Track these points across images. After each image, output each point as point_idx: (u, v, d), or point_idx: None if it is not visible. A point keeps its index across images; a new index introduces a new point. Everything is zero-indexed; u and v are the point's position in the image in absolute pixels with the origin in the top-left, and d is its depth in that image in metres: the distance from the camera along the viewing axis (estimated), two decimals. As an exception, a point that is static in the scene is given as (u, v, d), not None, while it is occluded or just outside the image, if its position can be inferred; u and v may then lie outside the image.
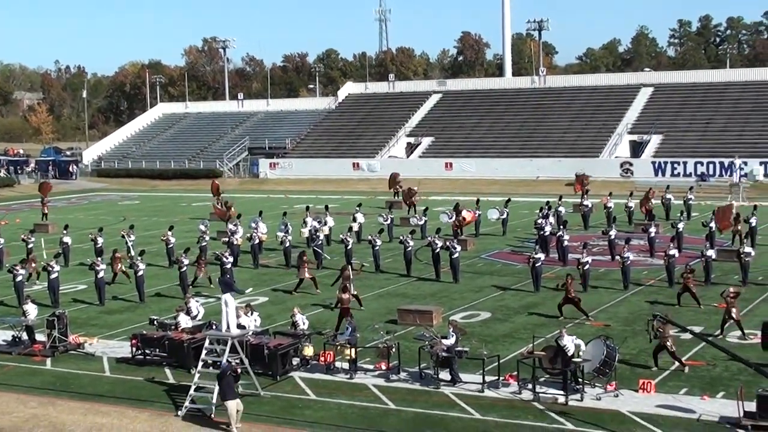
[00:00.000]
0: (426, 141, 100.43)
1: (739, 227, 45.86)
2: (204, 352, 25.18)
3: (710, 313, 33.10)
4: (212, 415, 23.60)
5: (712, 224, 45.63)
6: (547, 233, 46.74)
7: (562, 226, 46.19)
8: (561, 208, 54.76)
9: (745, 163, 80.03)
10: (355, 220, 52.23)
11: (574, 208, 59.24)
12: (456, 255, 40.26)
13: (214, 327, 26.96)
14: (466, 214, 51.93)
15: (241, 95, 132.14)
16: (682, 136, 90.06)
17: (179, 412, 23.94)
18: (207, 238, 48.10)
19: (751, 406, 21.83)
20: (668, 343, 26.01)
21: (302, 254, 39.95)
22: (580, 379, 24.37)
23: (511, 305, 35.62)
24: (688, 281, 33.72)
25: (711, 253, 38.75)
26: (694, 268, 35.63)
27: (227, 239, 47.12)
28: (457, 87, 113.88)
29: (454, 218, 51.92)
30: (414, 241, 43.75)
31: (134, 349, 28.96)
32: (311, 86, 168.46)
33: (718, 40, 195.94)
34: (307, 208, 54.91)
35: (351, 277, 35.45)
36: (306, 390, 25.64)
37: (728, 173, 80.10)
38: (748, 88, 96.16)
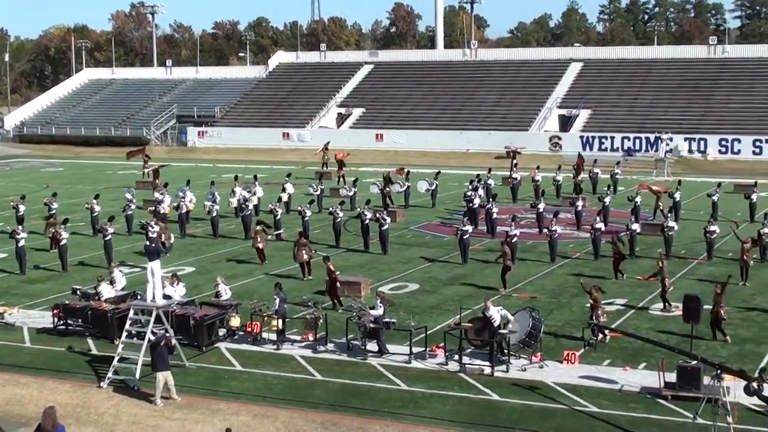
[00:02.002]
0: (357, 112, 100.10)
1: (661, 201, 46.50)
2: (128, 322, 24.84)
3: (633, 285, 33.58)
4: (136, 387, 23.32)
5: (638, 198, 46.16)
6: (476, 206, 46.92)
7: (491, 199, 46.43)
8: (490, 181, 55.07)
9: (671, 139, 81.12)
10: (284, 190, 51.92)
11: (503, 181, 59.67)
12: (385, 226, 40.25)
13: (138, 297, 26.62)
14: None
15: (169, 62, 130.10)
16: (610, 112, 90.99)
17: (102, 384, 23.62)
18: (133, 206, 47.44)
19: (672, 377, 22.19)
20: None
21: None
22: (505, 351, 24.54)
23: (439, 277, 35.73)
24: (616, 248, 34.28)
25: (636, 227, 39.27)
26: (623, 239, 36.20)
27: (153, 208, 46.54)
28: (389, 58, 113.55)
29: (383, 188, 51.99)
30: (343, 212, 43.62)
31: (56, 319, 28.46)
32: (242, 54, 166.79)
33: (646, 17, 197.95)
34: (236, 177, 54.43)
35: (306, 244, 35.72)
36: (232, 361, 25.47)
37: (654, 149, 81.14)
38: (674, 65, 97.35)
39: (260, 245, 37.98)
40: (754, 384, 18.43)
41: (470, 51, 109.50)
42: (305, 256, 35.33)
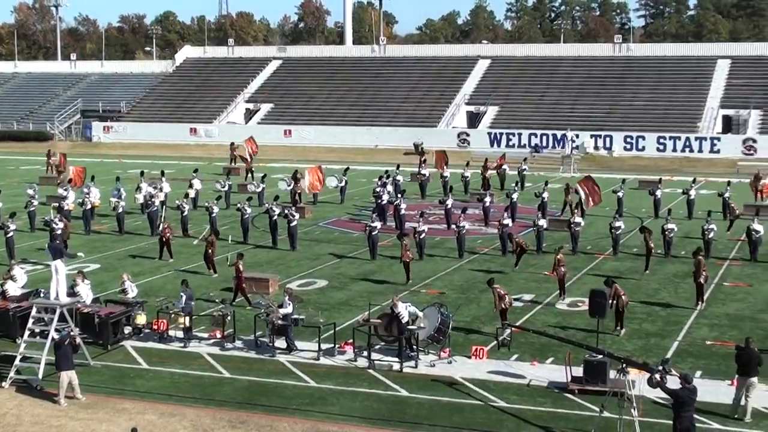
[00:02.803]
0: (265, 107, 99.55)
1: (570, 198, 47.10)
2: (31, 321, 24.24)
3: (540, 281, 33.93)
4: (39, 386, 22.77)
5: (545, 194, 46.66)
6: (385, 202, 46.94)
7: (399, 195, 46.50)
8: (399, 177, 55.16)
9: (577, 136, 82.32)
10: (191, 186, 51.31)
11: (411, 177, 59.85)
12: (294, 223, 40.04)
13: (42, 295, 26.00)
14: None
15: (74, 56, 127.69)
16: (517, 108, 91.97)
17: (3, 383, 23.01)
18: (35, 202, 46.34)
19: (578, 371, 22.46)
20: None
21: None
22: (414, 346, 24.57)
23: (347, 273, 35.66)
24: (520, 242, 34.61)
25: (543, 222, 39.73)
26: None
27: (57, 204, 45.58)
28: (298, 54, 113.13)
29: (292, 185, 51.72)
30: (251, 208, 43.24)
31: (-45, 318, 27.60)
32: (148, 49, 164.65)
33: (553, 15, 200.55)
34: (142, 173, 53.58)
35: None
36: (138, 359, 25.06)
37: (561, 145, 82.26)
38: (580, 63, 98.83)
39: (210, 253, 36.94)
40: (657, 376, 18.75)
41: (379, 47, 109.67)
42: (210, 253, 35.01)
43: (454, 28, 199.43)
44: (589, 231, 43.17)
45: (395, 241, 37.04)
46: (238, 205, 42.54)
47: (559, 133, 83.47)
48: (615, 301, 26.85)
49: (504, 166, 60.36)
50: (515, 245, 36.26)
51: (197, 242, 38.87)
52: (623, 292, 27.34)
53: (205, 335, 26.86)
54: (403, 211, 44.25)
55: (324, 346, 25.20)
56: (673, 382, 18.82)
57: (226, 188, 51.72)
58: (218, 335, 26.43)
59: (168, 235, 37.88)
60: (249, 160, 64.08)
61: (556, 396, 22.22)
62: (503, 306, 26.54)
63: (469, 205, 47.58)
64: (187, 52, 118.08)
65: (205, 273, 34.82)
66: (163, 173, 53.63)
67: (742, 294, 32.17)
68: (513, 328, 26.00)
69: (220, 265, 34.77)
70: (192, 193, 50.03)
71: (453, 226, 40.32)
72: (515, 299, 30.83)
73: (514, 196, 46.88)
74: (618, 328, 27.18)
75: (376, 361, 24.40)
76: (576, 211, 42.98)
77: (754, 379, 20.85)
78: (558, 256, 30.91)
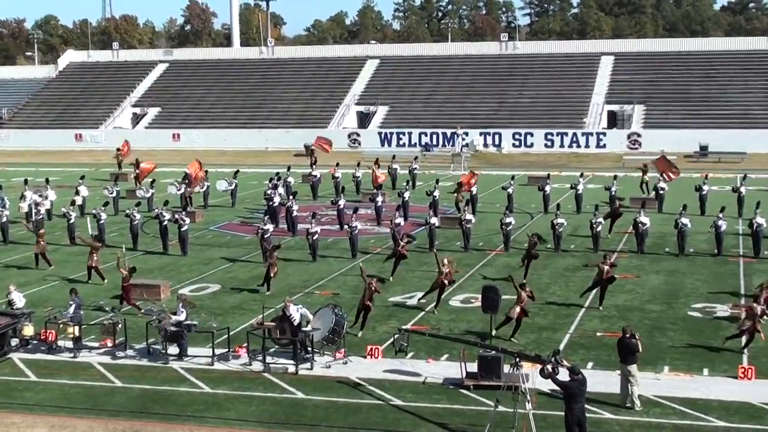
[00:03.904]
0: (152, 111, 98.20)
1: (461, 195, 47.49)
2: None
3: (434, 279, 34.00)
4: None
5: (436, 193, 46.96)
6: (276, 204, 46.65)
7: (291, 197, 46.29)
8: (290, 179, 54.89)
9: (467, 134, 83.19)
10: (78, 193, 50.19)
11: (303, 179, 59.63)
12: (184, 227, 39.49)
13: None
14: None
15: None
16: (407, 108, 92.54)
17: None
18: None
19: (473, 367, 22.61)
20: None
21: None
22: (309, 348, 24.43)
23: (240, 277, 35.33)
24: (402, 249, 34.33)
25: (434, 220, 39.96)
26: (411, 239, 36.63)
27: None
28: (185, 57, 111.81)
29: (183, 189, 51.05)
30: (141, 213, 42.53)
31: None
32: (29, 54, 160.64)
33: (440, 14, 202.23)
34: (26, 181, 52.13)
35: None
36: (26, 371, 24.36)
37: (451, 143, 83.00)
38: (468, 62, 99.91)
39: (94, 263, 35.98)
40: (548, 367, 19.03)
41: (267, 49, 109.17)
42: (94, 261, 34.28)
43: (342, 29, 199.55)
44: (480, 228, 43.59)
45: (287, 243, 36.83)
46: (127, 211, 41.77)
47: (448, 132, 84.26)
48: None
49: (395, 166, 60.48)
50: (396, 252, 35.11)
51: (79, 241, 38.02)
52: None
53: (96, 344, 26.27)
54: (295, 213, 44.02)
55: (218, 351, 24.87)
56: (565, 374, 19.08)
57: (114, 194, 50.77)
58: (109, 344, 25.87)
59: (42, 243, 37.01)
60: (191, 183, 58.55)
61: (452, 392, 22.33)
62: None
63: (360, 205, 47.59)
64: (71, 56, 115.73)
65: (96, 281, 34.06)
66: (48, 180, 52.41)
67: (630, 285, 32.83)
68: (408, 332, 26.01)
69: (109, 272, 34.05)
70: (79, 200, 48.96)
71: (345, 227, 40.26)
72: (407, 298, 31.02)
73: (406, 195, 47.10)
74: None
75: (271, 365, 24.19)
76: (467, 208, 43.33)
77: (632, 367, 21.31)
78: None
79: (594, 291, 30.09)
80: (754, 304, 25.17)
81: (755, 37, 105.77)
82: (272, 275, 32.19)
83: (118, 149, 71.10)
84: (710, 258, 37.52)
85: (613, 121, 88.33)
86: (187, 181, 51.55)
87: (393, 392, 22.39)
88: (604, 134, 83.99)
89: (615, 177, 51.43)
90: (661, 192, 49.40)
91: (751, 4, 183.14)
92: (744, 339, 25.09)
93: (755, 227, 37.59)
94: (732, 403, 21.31)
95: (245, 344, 25.09)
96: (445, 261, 29.94)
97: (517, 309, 25.93)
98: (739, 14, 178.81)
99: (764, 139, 74.07)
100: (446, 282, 29.57)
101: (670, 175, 51.46)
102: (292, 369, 23.93)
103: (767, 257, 37.37)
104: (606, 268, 29.26)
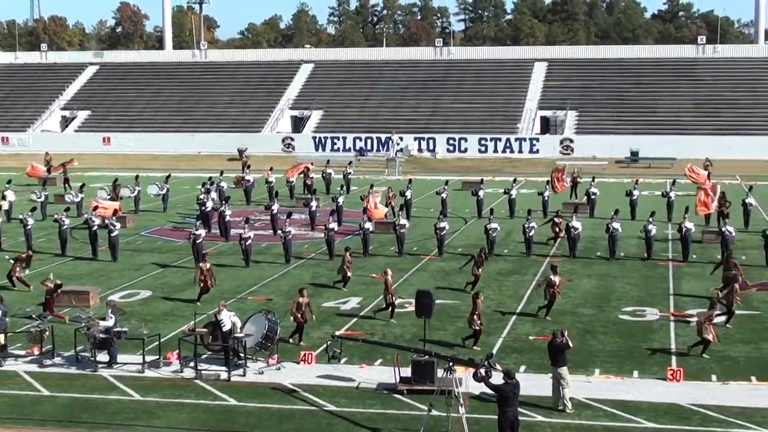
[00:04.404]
0: (82, 115, 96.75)
1: (393, 201, 47.55)
2: None
3: (368, 284, 34.01)
4: None
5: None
6: (209, 209, 46.23)
7: (224, 202, 45.91)
8: (223, 184, 54.47)
9: (401, 139, 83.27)
10: (4, 198, 49.23)
11: (236, 183, 59.17)
12: (115, 233, 38.93)
13: None
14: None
15: None
16: (342, 112, 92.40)
17: None
18: None
19: (407, 372, 22.56)
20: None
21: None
22: (242, 354, 24.19)
23: (172, 283, 34.92)
24: (348, 263, 34.04)
25: (369, 225, 39.87)
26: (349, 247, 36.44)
27: None
28: (116, 59, 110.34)
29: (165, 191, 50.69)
30: (69, 219, 41.86)
31: None
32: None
33: (375, 19, 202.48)
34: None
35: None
36: (-51, 381, 23.81)
37: (385, 148, 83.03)
38: (403, 67, 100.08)
39: (19, 275, 35.17)
40: (482, 371, 19.08)
41: (200, 52, 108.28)
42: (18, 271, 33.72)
43: (276, 33, 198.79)
44: (415, 232, 43.63)
45: (219, 248, 36.48)
46: (55, 216, 41.07)
47: (383, 136, 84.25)
48: None
49: (329, 171, 60.23)
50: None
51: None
52: None
53: (22, 353, 25.73)
54: (228, 218, 43.67)
55: (149, 359, 24.52)
56: (499, 378, 19.11)
57: (42, 199, 49.86)
58: (36, 352, 25.36)
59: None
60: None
61: (386, 397, 22.26)
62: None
63: (294, 209, 47.36)
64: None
65: (21, 288, 33.41)
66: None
67: (562, 289, 33.03)
68: (342, 338, 25.89)
69: (35, 279, 33.41)
70: (5, 205, 48.06)
71: (279, 232, 40.00)
72: (342, 303, 30.91)
73: (340, 199, 47.02)
74: None
75: (203, 371, 23.90)
76: (401, 212, 43.34)
77: (563, 370, 21.45)
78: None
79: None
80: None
81: (685, 45, 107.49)
82: (208, 287, 31.67)
83: (48, 155, 69.69)
84: (640, 262, 37.97)
85: (546, 126, 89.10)
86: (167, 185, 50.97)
87: (326, 398, 22.26)
88: (537, 140, 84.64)
89: (547, 182, 51.77)
90: (593, 197, 49.89)
91: (681, 13, 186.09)
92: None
93: (684, 231, 38.14)
94: (661, 405, 21.57)
95: (177, 351, 24.77)
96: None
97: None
98: (669, 22, 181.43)
99: (693, 145, 75.00)
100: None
101: (556, 186, 51.67)
102: (224, 375, 23.68)
103: (696, 261, 37.92)
104: (557, 280, 29.34)
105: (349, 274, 33.36)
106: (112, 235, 38.83)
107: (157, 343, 25.19)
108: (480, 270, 32.94)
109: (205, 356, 24.85)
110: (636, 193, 49.09)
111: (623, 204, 46.77)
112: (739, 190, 53.55)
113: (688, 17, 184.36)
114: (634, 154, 78.08)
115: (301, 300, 26.45)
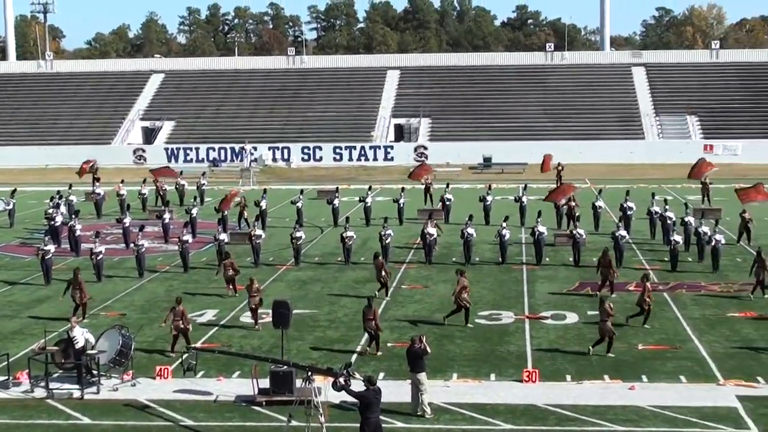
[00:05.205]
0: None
1: (245, 211, 47.24)
2: None
3: (224, 295, 33.58)
4: None
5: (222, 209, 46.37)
6: (58, 223, 44.96)
7: (73, 216, 44.71)
8: (72, 197, 53.07)
9: (255, 149, 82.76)
10: None
11: (86, 197, 57.74)
12: (-42, 250, 37.50)
13: None
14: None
15: None
16: (194, 123, 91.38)
17: None
18: None
19: (265, 383, 22.36)
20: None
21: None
22: (95, 371, 23.55)
23: (20, 300, 33.77)
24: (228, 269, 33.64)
25: (224, 237, 39.46)
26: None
27: None
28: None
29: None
30: None
31: None
32: None
33: (226, 28, 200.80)
34: None
35: None
36: None
37: (239, 158, 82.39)
38: (255, 76, 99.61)
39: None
40: (341, 380, 19.06)
41: (45, 63, 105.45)
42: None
43: (125, 42, 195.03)
44: (271, 242, 43.39)
45: (69, 264, 35.41)
46: None
47: (237, 147, 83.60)
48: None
49: (182, 182, 59.38)
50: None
51: None
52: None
53: None
54: (78, 233, 42.55)
55: (-4, 380, 23.67)
56: (358, 385, 19.10)
57: None
58: None
59: None
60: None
61: (245, 409, 22.00)
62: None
63: (147, 222, 46.48)
64: None
65: None
66: None
67: (419, 295, 33.36)
68: (198, 350, 25.51)
69: None
70: None
71: (131, 245, 39.16)
72: (197, 316, 30.46)
73: (194, 211, 46.38)
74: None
75: (54, 390, 23.17)
76: (256, 223, 43.04)
77: (421, 375, 21.63)
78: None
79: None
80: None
81: (533, 52, 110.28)
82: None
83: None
84: (495, 266, 38.61)
85: (400, 134, 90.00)
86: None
87: (184, 412, 21.86)
88: (392, 147, 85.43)
89: (402, 189, 52.22)
90: (448, 203, 50.53)
91: (530, 21, 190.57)
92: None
93: (537, 235, 38.95)
94: (518, 406, 21.93)
95: (27, 370, 23.95)
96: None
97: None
98: (519, 30, 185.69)
99: (544, 150, 76.56)
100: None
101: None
102: (77, 394, 23.01)
103: (548, 264, 38.78)
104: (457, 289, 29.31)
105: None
106: (-45, 252, 37.39)
107: (5, 363, 24.31)
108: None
109: (56, 375, 24.10)
110: (489, 198, 49.92)
111: (477, 209, 47.48)
112: (589, 194, 55.01)
113: (536, 25, 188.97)
114: (487, 160, 79.56)
115: (178, 308, 26.04)
